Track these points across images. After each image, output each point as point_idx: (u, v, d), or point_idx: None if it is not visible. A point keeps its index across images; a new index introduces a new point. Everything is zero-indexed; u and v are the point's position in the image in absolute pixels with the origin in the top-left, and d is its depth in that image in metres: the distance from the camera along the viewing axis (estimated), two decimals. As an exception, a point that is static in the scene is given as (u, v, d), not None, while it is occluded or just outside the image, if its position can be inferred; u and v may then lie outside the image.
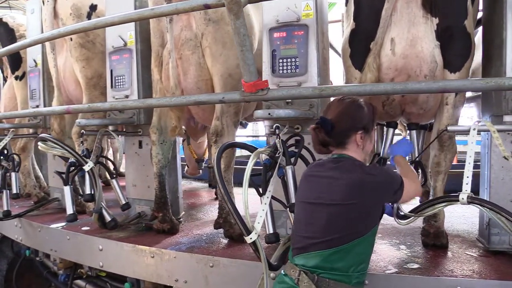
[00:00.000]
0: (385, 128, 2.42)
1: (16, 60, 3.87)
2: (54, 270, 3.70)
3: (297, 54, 2.26)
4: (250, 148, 1.99)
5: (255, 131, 12.78)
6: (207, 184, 5.30)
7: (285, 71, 2.29)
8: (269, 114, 2.00)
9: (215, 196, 4.49)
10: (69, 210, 2.52)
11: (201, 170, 4.71)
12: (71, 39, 2.97)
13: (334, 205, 1.54)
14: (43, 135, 2.67)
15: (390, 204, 1.93)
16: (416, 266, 2.08)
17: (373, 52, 2.05)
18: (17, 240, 3.61)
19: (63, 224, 3.08)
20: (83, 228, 3.04)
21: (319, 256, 1.53)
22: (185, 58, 2.51)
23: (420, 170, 2.39)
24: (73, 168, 2.60)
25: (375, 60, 2.03)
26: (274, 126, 2.02)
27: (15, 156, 3.52)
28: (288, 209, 1.98)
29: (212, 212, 3.69)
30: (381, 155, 2.35)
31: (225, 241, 2.60)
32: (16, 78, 3.91)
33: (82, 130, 2.78)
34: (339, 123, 1.59)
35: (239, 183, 2.03)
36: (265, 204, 1.84)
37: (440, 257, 2.20)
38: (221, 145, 1.90)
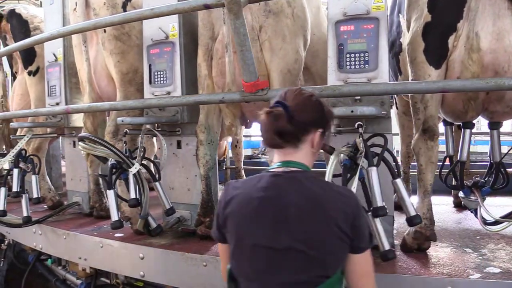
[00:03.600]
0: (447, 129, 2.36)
1: (29, 54, 3.60)
2: (64, 278, 3.48)
3: (367, 49, 2.14)
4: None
5: (245, 131, 12.57)
6: (223, 186, 5.14)
7: (352, 67, 2.17)
8: (352, 111, 1.87)
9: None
10: (114, 216, 2.31)
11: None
12: (104, 31, 2.74)
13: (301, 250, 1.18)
14: (84, 134, 2.45)
15: None
16: (497, 270, 2.00)
17: (459, 47, 1.95)
18: (36, 249, 3.34)
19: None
20: (117, 235, 2.83)
21: None
22: (241, 52, 2.35)
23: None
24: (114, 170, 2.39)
25: (470, 55, 1.92)
26: (356, 124, 1.89)
27: (34, 157, 3.25)
28: (371, 213, 1.86)
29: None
30: (459, 158, 2.24)
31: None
32: (30, 73, 3.63)
33: (126, 129, 2.55)
34: (299, 113, 1.25)
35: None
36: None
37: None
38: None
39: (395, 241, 2.34)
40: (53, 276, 3.84)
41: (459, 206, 3.59)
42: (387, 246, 1.81)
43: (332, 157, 1.81)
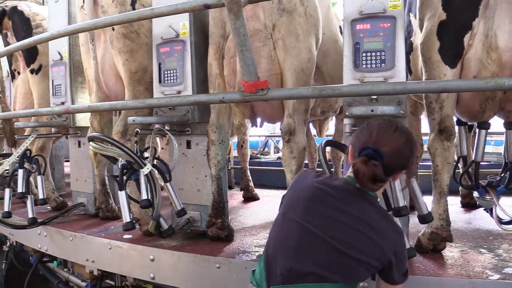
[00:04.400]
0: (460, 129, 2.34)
1: (31, 52, 3.53)
2: (66, 279, 3.43)
3: (383, 48, 2.12)
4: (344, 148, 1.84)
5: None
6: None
7: (369, 66, 2.14)
8: (372, 111, 1.84)
9: (243, 199, 4.32)
10: (126, 218, 2.26)
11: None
12: (113, 29, 2.70)
13: (338, 249, 1.31)
14: (95, 134, 2.40)
15: None
16: (515, 271, 1.99)
17: (475, 45, 1.94)
18: (41, 250, 3.29)
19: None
20: (125, 236, 2.79)
21: None
22: (255, 51, 2.30)
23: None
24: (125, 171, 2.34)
25: (488, 54, 1.90)
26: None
27: (39, 157, 3.19)
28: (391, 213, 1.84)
29: (250, 216, 3.50)
30: (474, 159, 2.23)
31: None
32: (32, 71, 3.57)
33: (137, 129, 2.51)
34: (392, 160, 1.34)
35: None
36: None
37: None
38: (323, 142, 1.76)
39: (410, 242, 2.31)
40: (56, 278, 3.81)
41: (466, 206, 3.60)
42: (408, 245, 1.79)
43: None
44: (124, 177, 2.32)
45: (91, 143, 2.26)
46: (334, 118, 4.09)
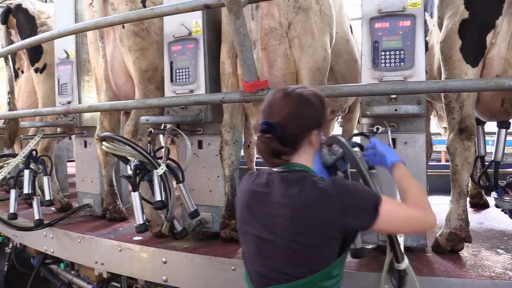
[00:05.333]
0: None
1: (35, 51, 3.48)
2: (69, 282, 3.36)
3: (402, 47, 2.09)
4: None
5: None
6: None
7: (387, 65, 2.11)
8: (396, 110, 1.82)
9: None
10: (139, 219, 2.21)
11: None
12: (123, 27, 2.64)
13: (290, 242, 1.25)
14: (107, 133, 2.34)
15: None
16: (537, 272, 1.97)
17: (498, 44, 1.92)
18: (46, 252, 3.22)
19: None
20: (135, 238, 2.74)
21: None
22: (271, 49, 2.28)
23: None
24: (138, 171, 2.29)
25: None
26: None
27: (45, 157, 3.12)
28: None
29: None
30: (493, 158, 2.21)
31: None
32: (36, 70, 3.51)
33: (150, 129, 2.46)
34: (289, 126, 1.26)
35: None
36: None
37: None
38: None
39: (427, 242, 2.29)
40: (58, 280, 3.75)
41: (475, 206, 3.57)
42: (359, 244, 1.75)
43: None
44: (137, 178, 2.27)
45: (104, 143, 2.21)
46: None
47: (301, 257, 1.25)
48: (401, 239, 1.75)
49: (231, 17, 1.79)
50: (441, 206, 2.42)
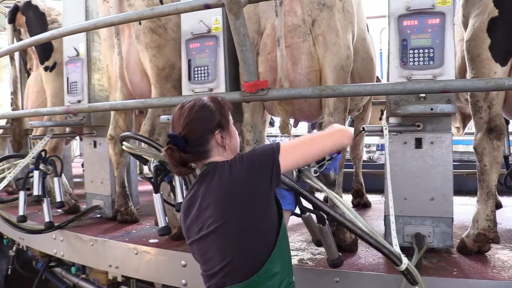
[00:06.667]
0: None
1: (45, 49, 3.39)
2: (74, 284, 3.29)
3: (432, 45, 2.06)
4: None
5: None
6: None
7: (416, 63, 2.08)
8: (432, 109, 1.78)
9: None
10: (161, 222, 2.14)
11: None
12: (139, 23, 2.57)
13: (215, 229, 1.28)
14: (128, 133, 2.27)
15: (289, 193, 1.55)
16: None
17: None
18: (56, 256, 3.13)
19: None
20: (151, 241, 2.67)
21: None
22: (295, 46, 2.23)
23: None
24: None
25: None
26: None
27: (54, 158, 3.03)
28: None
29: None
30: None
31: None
32: (46, 69, 3.42)
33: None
34: (189, 133, 1.34)
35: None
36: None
37: None
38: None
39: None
40: (62, 283, 3.66)
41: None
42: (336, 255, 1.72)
43: None
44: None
45: (124, 143, 2.13)
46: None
47: (244, 242, 1.26)
48: (395, 240, 1.75)
49: (231, 17, 1.78)
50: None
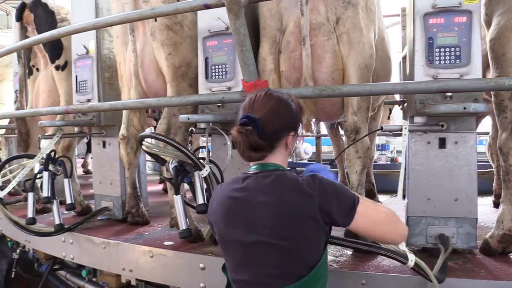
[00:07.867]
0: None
1: (56, 48, 3.30)
2: (78, 287, 3.26)
3: (458, 43, 2.04)
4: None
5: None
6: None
7: (442, 62, 2.06)
8: (465, 108, 1.75)
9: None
10: (182, 224, 2.08)
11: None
12: (155, 20, 2.51)
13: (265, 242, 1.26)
14: (148, 132, 2.21)
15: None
16: None
17: None
18: (65, 259, 3.05)
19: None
20: (166, 243, 2.61)
21: None
22: (319, 45, 2.20)
23: None
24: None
25: None
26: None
27: (64, 159, 2.95)
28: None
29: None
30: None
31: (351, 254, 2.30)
32: (57, 68, 3.34)
33: (192, 128, 2.32)
34: (268, 123, 1.30)
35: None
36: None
37: None
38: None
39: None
40: (66, 286, 3.59)
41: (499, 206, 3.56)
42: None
43: None
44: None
45: (144, 142, 2.07)
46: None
47: (291, 256, 1.25)
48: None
49: (231, 17, 1.78)
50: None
